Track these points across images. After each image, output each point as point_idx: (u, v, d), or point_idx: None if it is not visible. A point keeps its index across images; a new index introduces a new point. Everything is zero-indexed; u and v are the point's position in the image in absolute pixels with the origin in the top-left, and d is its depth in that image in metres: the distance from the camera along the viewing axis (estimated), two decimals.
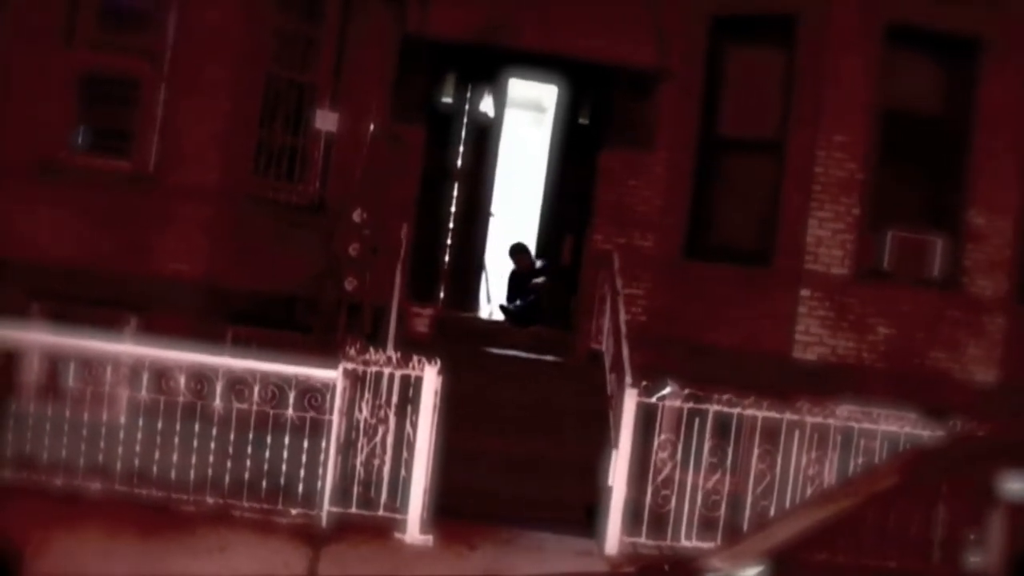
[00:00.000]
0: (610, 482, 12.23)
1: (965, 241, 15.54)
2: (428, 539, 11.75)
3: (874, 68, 15.15)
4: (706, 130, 15.94)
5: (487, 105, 17.50)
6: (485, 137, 17.40)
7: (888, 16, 15.11)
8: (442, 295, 16.81)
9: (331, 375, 11.80)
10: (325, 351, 12.60)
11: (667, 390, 12.49)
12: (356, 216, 14.59)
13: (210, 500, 11.64)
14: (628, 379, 12.82)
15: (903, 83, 15.42)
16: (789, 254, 15.24)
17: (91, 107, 14.67)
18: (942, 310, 15.47)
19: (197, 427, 11.74)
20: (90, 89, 14.58)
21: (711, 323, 15.46)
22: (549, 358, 15.58)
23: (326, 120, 15.39)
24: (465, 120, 17.19)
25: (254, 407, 11.71)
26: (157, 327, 13.61)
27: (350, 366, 11.93)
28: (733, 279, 15.55)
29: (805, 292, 15.22)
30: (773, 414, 12.32)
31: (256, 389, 11.73)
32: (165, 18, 14.59)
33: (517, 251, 17.31)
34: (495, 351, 15.52)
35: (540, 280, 16.90)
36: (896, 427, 12.52)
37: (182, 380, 11.75)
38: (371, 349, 12.43)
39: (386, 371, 12.08)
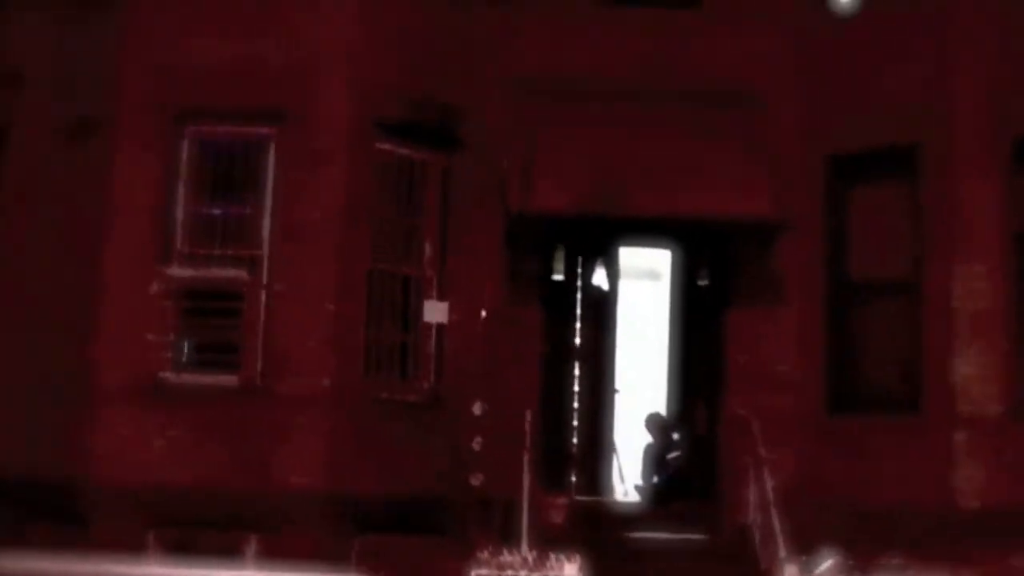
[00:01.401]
0: None
1: None
2: None
3: (1004, 189, 14.52)
4: (835, 276, 15.38)
5: (600, 277, 16.99)
6: (601, 310, 16.88)
7: (1014, 133, 14.49)
8: (574, 480, 16.11)
9: None
10: (460, 556, 11.76)
11: (829, 563, 11.47)
12: (476, 408, 14.28)
13: None
14: (782, 553, 11.86)
15: None
16: (938, 397, 14.43)
17: (195, 322, 14.38)
18: None
19: None
20: (193, 303, 14.31)
21: (864, 481, 14.55)
22: (695, 537, 14.70)
23: (435, 311, 14.99)
24: (580, 295, 16.66)
25: None
26: (280, 547, 13.16)
27: (483, 572, 11.08)
28: (881, 430, 14.74)
29: (960, 436, 14.34)
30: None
31: None
32: (259, 222, 14.37)
33: (654, 423, 16.55)
34: (636, 535, 14.66)
35: (676, 454, 16.12)
36: None
37: None
38: (504, 548, 11.57)
39: (522, 574, 11.20)
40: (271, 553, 13.07)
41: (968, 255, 14.48)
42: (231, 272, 14.33)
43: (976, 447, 14.31)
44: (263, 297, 14.22)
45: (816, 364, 15.22)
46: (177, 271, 14.30)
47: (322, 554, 12.88)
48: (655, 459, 16.46)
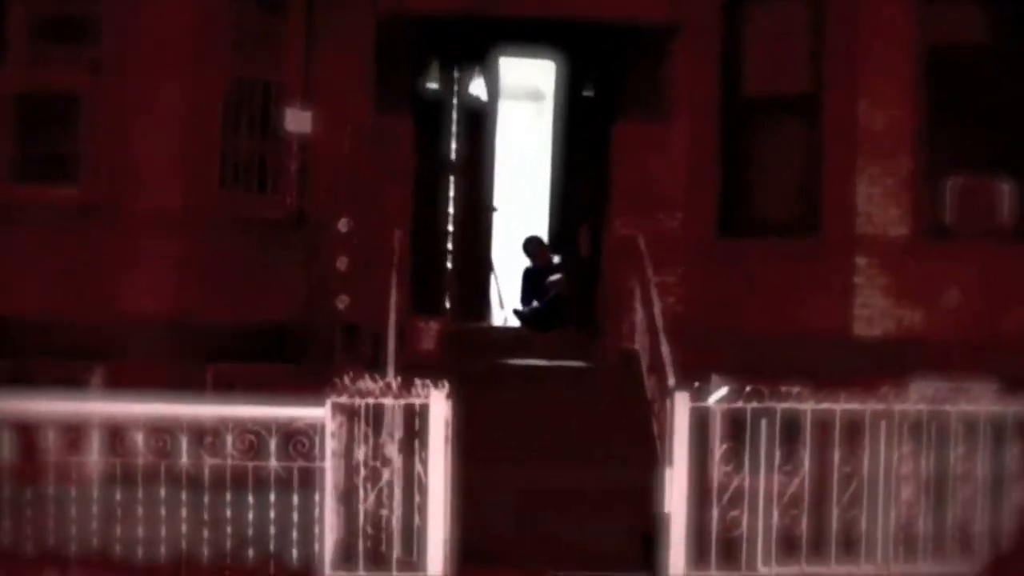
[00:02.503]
0: (667, 508, 10.34)
1: None
2: None
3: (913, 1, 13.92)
4: (730, 91, 14.59)
5: (478, 88, 16.09)
6: (479, 125, 16.10)
7: None
8: (448, 305, 15.41)
9: (318, 413, 9.94)
10: (321, 384, 10.75)
11: (724, 390, 10.61)
12: (342, 226, 13.48)
13: None
14: (672, 381, 11.10)
15: (947, 12, 14.07)
16: (838, 219, 13.94)
17: (29, 131, 13.44)
18: (1017, 263, 14.07)
19: (163, 491, 9.87)
20: (27, 109, 13.41)
21: (755, 306, 14.09)
22: (576, 364, 14.07)
23: (297, 120, 14.01)
24: (456, 107, 15.80)
25: (228, 461, 9.81)
26: (128, 377, 12.27)
27: (341, 400, 10.08)
28: (776, 254, 14.20)
29: (860, 260, 13.88)
30: (854, 406, 10.41)
31: (230, 439, 9.84)
32: (106, 19, 13.35)
33: (533, 245, 15.72)
34: (514, 362, 14.02)
35: (556, 277, 15.33)
36: (1001, 407, 10.60)
37: (140, 437, 9.88)
38: (369, 375, 10.59)
39: (386, 401, 10.22)
40: (118, 383, 12.20)
41: (874, 69, 13.90)
42: (71, 75, 13.34)
43: (877, 272, 13.87)
44: (105, 104, 13.23)
45: (708, 183, 14.57)
46: (9, 74, 13.29)
47: (173, 383, 11.95)
48: (534, 283, 15.62)
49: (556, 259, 15.80)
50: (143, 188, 13.24)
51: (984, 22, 14.15)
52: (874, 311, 13.73)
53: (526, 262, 16.02)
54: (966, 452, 10.53)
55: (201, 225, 13.39)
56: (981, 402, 10.69)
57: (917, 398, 10.78)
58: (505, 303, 16.32)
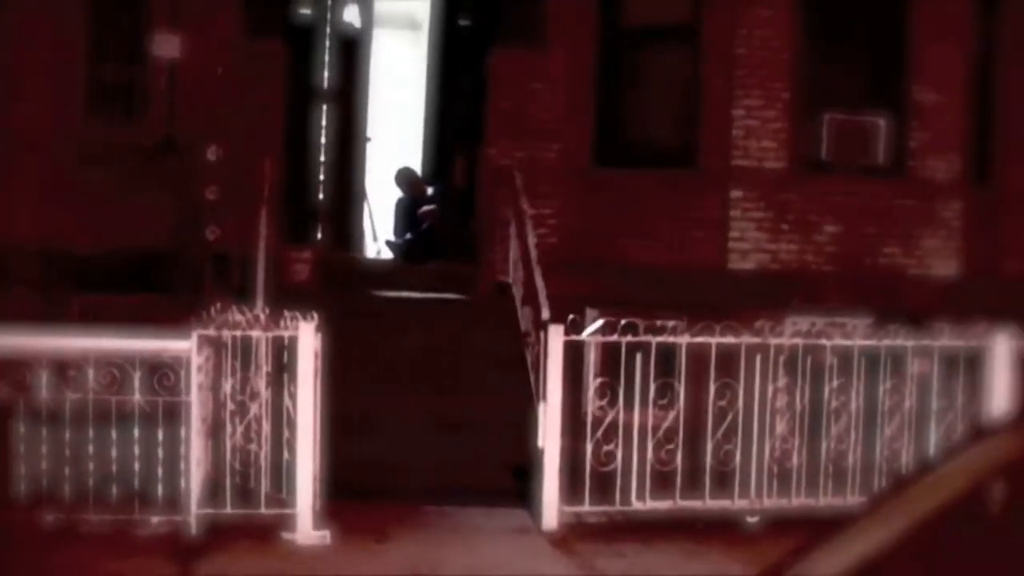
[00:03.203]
0: (540, 442, 10.14)
1: (910, 119, 14.24)
2: (324, 535, 9.58)
3: None
4: (608, 19, 14.27)
5: (352, 15, 15.59)
6: (353, 52, 15.51)
7: None
8: (320, 235, 14.93)
9: (184, 346, 9.56)
10: (190, 315, 10.38)
11: (598, 323, 10.44)
12: (211, 154, 13.07)
13: (49, 517, 9.38)
14: (546, 313, 10.84)
15: None
16: (715, 151, 13.84)
17: None
18: (891, 199, 14.21)
19: (22, 427, 9.50)
20: None
21: (632, 238, 13.85)
22: (450, 296, 13.62)
23: (166, 45, 13.50)
24: (328, 32, 15.23)
25: (91, 395, 9.46)
26: None
27: (208, 332, 9.76)
28: (653, 185, 13.97)
29: (736, 193, 13.72)
30: (729, 339, 10.26)
31: (92, 373, 9.48)
32: None
33: (405, 177, 15.33)
34: (387, 294, 13.53)
35: (430, 208, 14.96)
36: (875, 340, 10.54)
37: None
38: (238, 306, 10.27)
39: (254, 334, 9.92)
40: None
41: (752, 1, 13.76)
42: None
43: (753, 206, 13.84)
44: None
45: (585, 113, 14.22)
46: None
47: (34, 314, 11.64)
48: (407, 214, 15.24)
49: (430, 190, 15.43)
50: (6, 112, 12.77)
51: None
52: (749, 244, 13.69)
53: (400, 193, 15.64)
54: (840, 386, 10.47)
55: (67, 150, 12.95)
56: (855, 336, 10.61)
57: (792, 332, 10.67)
58: (379, 234, 15.88)
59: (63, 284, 12.73)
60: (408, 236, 15.17)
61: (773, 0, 13.74)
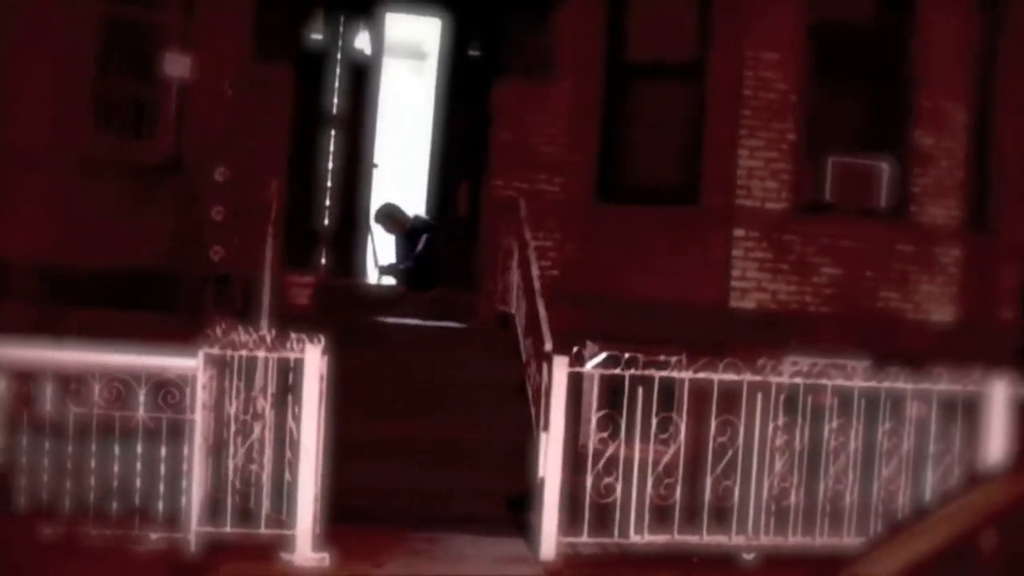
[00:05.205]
0: (541, 472, 10.19)
1: (912, 165, 14.33)
2: (323, 557, 9.63)
3: None
4: (614, 55, 14.40)
5: (363, 42, 15.59)
6: (363, 79, 15.52)
7: None
8: (323, 260, 14.96)
9: (189, 364, 9.64)
10: (192, 335, 10.43)
11: (601, 356, 10.50)
12: (218, 175, 13.06)
13: (49, 530, 9.40)
14: (549, 344, 10.90)
15: None
16: (718, 190, 13.89)
17: None
18: (891, 243, 14.30)
19: (25, 440, 9.53)
20: None
21: (633, 273, 13.93)
22: (452, 325, 13.64)
23: (177, 64, 13.52)
24: (339, 59, 15.30)
25: (95, 410, 9.49)
26: None
27: (213, 351, 9.81)
28: (656, 221, 14.07)
29: (739, 231, 13.84)
30: (731, 376, 10.33)
31: (97, 388, 9.52)
32: None
33: (386, 214, 15.38)
34: (389, 321, 13.53)
35: (424, 237, 14.97)
36: (875, 382, 10.61)
37: (2, 384, 9.53)
38: (242, 329, 10.31)
39: (259, 354, 9.97)
40: None
41: (759, 42, 13.85)
42: None
43: (755, 245, 13.89)
44: None
45: (589, 147, 14.34)
46: None
47: (34, 329, 11.48)
48: (410, 242, 15.26)
49: (423, 217, 15.40)
50: (10, 125, 12.76)
51: (869, 1, 14.28)
52: (750, 283, 13.74)
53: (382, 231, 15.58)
54: (839, 427, 10.54)
55: (71, 166, 12.94)
56: (855, 377, 10.68)
57: (793, 371, 10.75)
58: (382, 261, 15.94)
59: (63, 300, 12.64)
60: (409, 264, 15.14)
61: (780, 43, 13.80)
